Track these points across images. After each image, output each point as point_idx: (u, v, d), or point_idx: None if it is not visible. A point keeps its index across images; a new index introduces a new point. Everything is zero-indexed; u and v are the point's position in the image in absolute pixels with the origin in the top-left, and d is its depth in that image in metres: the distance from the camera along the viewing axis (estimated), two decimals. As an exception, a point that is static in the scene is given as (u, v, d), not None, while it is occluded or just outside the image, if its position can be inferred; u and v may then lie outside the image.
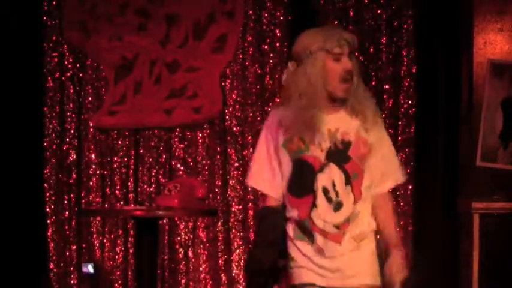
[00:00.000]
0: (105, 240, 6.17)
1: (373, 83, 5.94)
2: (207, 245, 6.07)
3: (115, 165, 6.22)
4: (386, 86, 5.93)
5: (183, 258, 6.10)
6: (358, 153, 3.06)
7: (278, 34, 6.03)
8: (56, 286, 6.21)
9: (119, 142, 6.23)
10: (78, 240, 6.22)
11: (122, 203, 6.17)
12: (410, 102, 5.90)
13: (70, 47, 6.27)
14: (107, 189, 6.21)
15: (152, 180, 6.17)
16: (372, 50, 5.94)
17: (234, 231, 6.03)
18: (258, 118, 6.03)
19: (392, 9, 5.92)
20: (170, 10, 6.17)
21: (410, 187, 5.88)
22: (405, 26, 5.91)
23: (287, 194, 3.11)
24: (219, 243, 6.05)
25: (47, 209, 6.21)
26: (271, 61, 6.04)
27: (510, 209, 5.20)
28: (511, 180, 5.34)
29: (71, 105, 6.27)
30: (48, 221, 6.21)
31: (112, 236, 6.17)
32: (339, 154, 3.04)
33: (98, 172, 6.22)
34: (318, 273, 3.07)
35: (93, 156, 6.23)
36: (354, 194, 3.05)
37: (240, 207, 6.04)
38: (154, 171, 6.17)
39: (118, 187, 6.21)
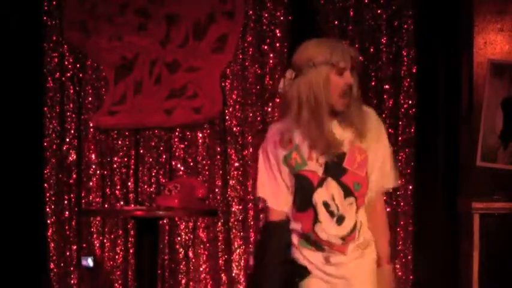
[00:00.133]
0: (105, 240, 6.17)
1: (373, 83, 5.94)
2: (207, 245, 6.08)
3: (115, 165, 6.22)
4: (387, 86, 5.93)
5: (183, 258, 6.10)
6: (354, 163, 3.06)
7: (278, 34, 6.03)
8: (56, 286, 6.21)
9: (119, 142, 6.23)
10: (78, 240, 6.22)
11: (122, 203, 6.17)
12: (410, 102, 5.90)
13: (70, 47, 6.27)
14: (107, 189, 6.21)
15: (152, 181, 6.17)
16: (372, 50, 5.94)
17: (234, 231, 6.03)
18: (258, 118, 6.03)
19: (392, 9, 5.92)
20: (170, 10, 6.17)
21: (410, 187, 5.88)
22: (405, 26, 5.91)
23: (291, 207, 3.12)
24: (219, 243, 6.05)
25: (47, 209, 6.22)
26: (271, 61, 6.04)
27: (510, 209, 5.20)
28: (511, 180, 5.33)
29: (71, 105, 6.27)
30: (49, 221, 6.21)
31: (112, 236, 6.17)
32: (335, 167, 3.04)
33: (98, 172, 6.22)
34: (325, 281, 3.09)
35: (93, 156, 6.23)
36: (357, 204, 3.06)
37: (240, 207, 6.04)
38: (155, 171, 6.17)
39: (118, 187, 6.21)
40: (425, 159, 5.84)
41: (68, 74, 6.27)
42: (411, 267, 5.87)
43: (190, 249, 6.10)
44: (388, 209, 5.82)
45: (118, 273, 6.15)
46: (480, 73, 5.51)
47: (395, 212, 5.89)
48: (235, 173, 6.05)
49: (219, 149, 6.10)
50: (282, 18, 6.03)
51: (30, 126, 6.17)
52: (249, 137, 6.05)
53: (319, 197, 3.04)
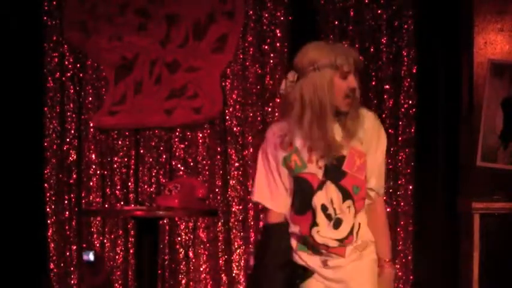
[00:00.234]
0: (105, 241, 6.17)
1: (374, 83, 5.94)
2: (208, 245, 6.08)
3: (115, 165, 6.22)
4: (387, 86, 5.93)
5: (184, 259, 6.10)
6: (354, 166, 3.06)
7: (278, 34, 6.03)
8: (56, 286, 6.21)
9: (119, 142, 6.23)
10: (78, 240, 6.22)
11: (122, 203, 6.17)
12: (410, 102, 5.90)
13: (70, 47, 6.27)
14: (107, 190, 6.21)
15: (152, 181, 6.17)
16: (372, 50, 5.94)
17: (234, 231, 6.03)
18: (259, 118, 6.04)
19: (392, 9, 5.92)
20: (170, 10, 6.17)
21: (410, 187, 5.89)
22: (405, 26, 5.91)
23: (290, 209, 3.12)
24: (219, 244, 6.05)
25: (47, 209, 6.22)
26: (271, 61, 6.04)
27: (510, 209, 5.20)
28: (511, 180, 5.33)
29: (71, 105, 6.27)
30: (49, 221, 6.21)
31: (112, 236, 6.17)
32: (335, 170, 3.04)
33: (98, 172, 6.22)
34: (325, 285, 3.09)
35: (93, 156, 6.23)
36: (355, 207, 3.06)
37: (241, 207, 6.04)
38: (155, 171, 6.17)
39: (118, 187, 6.21)
40: (426, 159, 5.84)
41: (68, 74, 6.27)
42: (411, 267, 5.87)
43: (190, 249, 6.10)
44: (388, 209, 5.83)
45: (118, 273, 6.15)
46: (480, 73, 5.51)
47: (396, 212, 5.89)
48: (236, 173, 6.05)
49: (219, 149, 6.10)
50: (282, 18, 6.03)
51: (30, 126, 6.17)
52: (249, 137, 6.05)
53: (319, 200, 3.04)
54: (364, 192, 3.09)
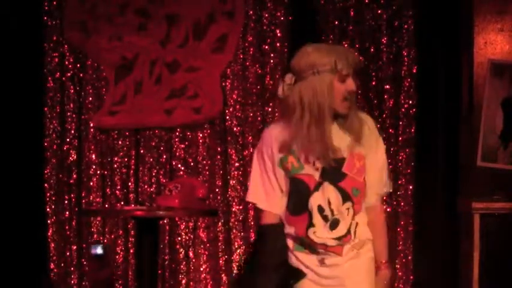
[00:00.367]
0: (105, 241, 6.17)
1: (374, 83, 5.94)
2: (208, 245, 6.08)
3: (115, 165, 6.22)
4: (387, 86, 5.93)
5: (184, 259, 6.10)
6: (353, 168, 3.06)
7: (278, 34, 6.03)
8: (56, 286, 6.20)
9: (120, 142, 6.23)
10: (78, 240, 6.22)
11: (122, 203, 6.17)
12: (410, 102, 5.90)
13: (70, 47, 6.27)
14: (108, 190, 6.21)
15: (153, 181, 6.17)
16: (372, 50, 5.94)
17: (234, 231, 6.03)
18: (259, 118, 6.04)
19: (392, 10, 5.92)
20: (170, 10, 6.17)
21: (410, 187, 5.89)
22: (406, 26, 5.91)
23: (285, 211, 3.12)
24: (219, 244, 6.06)
25: (48, 209, 6.22)
26: (271, 61, 6.04)
27: (510, 209, 5.20)
28: (511, 180, 5.33)
29: (72, 105, 6.27)
30: (49, 221, 6.21)
31: (112, 236, 6.17)
32: (334, 172, 3.04)
33: (98, 172, 6.22)
34: (318, 284, 3.08)
35: (93, 156, 6.23)
36: (354, 209, 3.06)
37: (241, 207, 6.04)
38: (155, 171, 6.18)
39: (118, 187, 6.21)
40: (426, 159, 5.84)
41: (68, 74, 6.27)
42: (411, 267, 5.87)
43: (190, 249, 6.10)
44: (388, 209, 5.83)
45: (118, 273, 6.15)
46: (480, 73, 5.51)
47: (396, 212, 5.90)
48: (236, 173, 6.05)
49: (219, 149, 6.10)
50: (282, 18, 6.03)
51: (30, 126, 6.17)
52: (250, 137, 6.05)
53: (315, 201, 3.04)
54: (363, 194, 3.09)
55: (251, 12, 6.07)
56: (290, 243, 3.12)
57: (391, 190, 3.23)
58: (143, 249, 4.61)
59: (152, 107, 6.14)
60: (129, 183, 6.20)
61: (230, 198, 6.06)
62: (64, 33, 6.25)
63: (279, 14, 6.03)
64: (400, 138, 5.90)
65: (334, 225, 3.04)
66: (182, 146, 6.16)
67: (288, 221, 3.11)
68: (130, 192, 6.20)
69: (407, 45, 5.90)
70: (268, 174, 3.13)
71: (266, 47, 6.06)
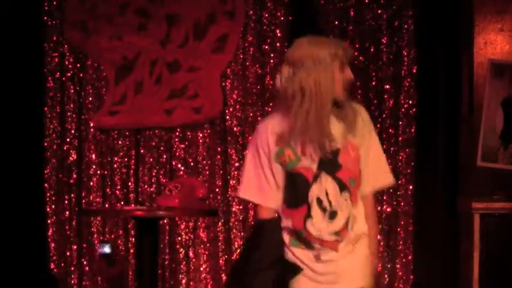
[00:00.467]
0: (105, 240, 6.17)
1: (374, 83, 5.94)
2: (208, 245, 6.08)
3: (115, 165, 6.22)
4: (387, 86, 5.93)
5: (184, 258, 6.10)
6: (348, 158, 3.07)
7: (279, 34, 6.03)
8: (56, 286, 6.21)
9: (120, 142, 6.23)
10: (78, 240, 6.22)
11: (122, 203, 6.17)
12: (410, 102, 5.90)
13: (70, 47, 6.27)
14: (108, 189, 6.21)
15: (153, 180, 6.17)
16: (372, 50, 5.95)
17: (234, 231, 6.03)
18: (259, 118, 6.03)
19: (392, 9, 5.92)
20: (170, 10, 6.17)
21: (410, 187, 5.89)
22: (406, 26, 5.91)
23: (282, 204, 3.11)
24: (219, 243, 6.06)
25: (48, 209, 6.22)
26: (271, 61, 6.04)
27: (510, 209, 5.20)
28: (511, 180, 5.33)
29: (72, 105, 6.27)
30: (49, 221, 6.21)
31: (113, 236, 6.17)
32: (330, 163, 3.04)
33: (98, 172, 6.22)
34: (312, 279, 3.08)
35: (93, 156, 6.24)
36: (351, 199, 3.07)
37: (241, 207, 6.04)
38: (155, 171, 6.18)
39: (118, 187, 6.21)
40: (426, 159, 5.84)
41: (69, 74, 6.27)
42: (411, 267, 5.87)
43: (190, 249, 6.10)
44: (388, 209, 5.84)
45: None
46: (480, 73, 5.51)
47: (396, 212, 5.90)
48: (236, 173, 6.05)
49: (219, 149, 6.11)
50: (282, 18, 6.03)
51: (30, 126, 6.17)
52: (250, 137, 6.03)
53: (314, 193, 3.04)
54: (359, 184, 3.09)
55: (251, 12, 6.07)
56: (286, 238, 3.11)
57: (393, 183, 3.23)
58: (143, 249, 4.61)
59: (152, 107, 6.14)
60: (129, 183, 6.21)
61: (230, 198, 6.06)
62: (64, 33, 6.25)
63: (279, 14, 6.04)
64: (400, 138, 5.90)
65: (332, 216, 3.04)
66: (182, 146, 6.16)
67: (285, 213, 3.10)
68: (131, 192, 6.20)
69: (407, 45, 5.91)
70: (263, 169, 3.12)
71: (266, 47, 6.06)
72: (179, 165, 6.15)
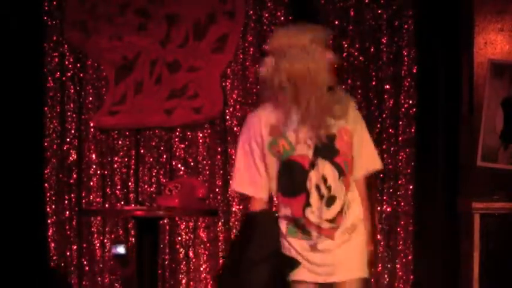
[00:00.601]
0: (105, 240, 6.17)
1: (374, 83, 5.94)
2: (208, 245, 6.08)
3: (115, 165, 6.22)
4: (387, 86, 5.93)
5: (184, 258, 6.10)
6: (344, 143, 3.08)
7: (278, 34, 6.02)
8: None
9: (120, 142, 6.23)
10: (78, 240, 6.22)
11: (122, 203, 6.17)
12: (410, 102, 5.90)
13: (70, 47, 6.27)
14: (108, 189, 6.21)
15: (153, 180, 6.17)
16: (372, 50, 5.95)
17: (234, 231, 6.03)
18: (259, 118, 6.03)
19: (392, 9, 5.92)
20: (170, 10, 6.17)
21: (410, 187, 5.89)
22: (406, 26, 5.91)
23: (278, 193, 3.11)
24: (219, 243, 6.06)
25: (48, 209, 6.22)
26: (271, 61, 6.03)
27: (510, 209, 5.20)
28: (511, 180, 5.34)
29: (72, 105, 6.27)
30: (49, 221, 6.21)
31: (113, 236, 6.17)
32: (327, 148, 3.05)
33: (98, 172, 6.22)
34: (309, 270, 3.09)
35: (93, 156, 6.23)
36: (345, 185, 3.07)
37: (241, 207, 6.04)
38: (155, 171, 6.18)
39: (118, 187, 6.21)
40: (426, 159, 5.84)
41: (69, 74, 6.27)
42: (411, 267, 5.87)
43: (190, 249, 6.10)
44: (388, 209, 5.84)
45: (119, 272, 6.15)
46: (480, 73, 5.51)
47: (396, 212, 5.89)
48: (236, 173, 6.04)
49: (219, 148, 6.11)
50: (282, 18, 6.03)
51: (30, 126, 6.17)
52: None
53: (313, 180, 3.05)
54: (352, 169, 3.10)
55: (251, 12, 6.07)
56: (283, 227, 3.11)
57: (382, 167, 3.24)
58: (143, 249, 4.61)
59: (152, 107, 6.14)
60: (129, 183, 6.21)
61: (230, 198, 6.06)
62: (64, 33, 6.25)
63: (279, 14, 6.04)
64: (400, 138, 5.90)
65: (330, 202, 3.05)
66: (182, 146, 6.16)
67: (284, 202, 3.10)
68: (131, 192, 6.20)
69: (407, 45, 5.91)
70: (255, 160, 3.12)
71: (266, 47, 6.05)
72: (179, 165, 6.15)
